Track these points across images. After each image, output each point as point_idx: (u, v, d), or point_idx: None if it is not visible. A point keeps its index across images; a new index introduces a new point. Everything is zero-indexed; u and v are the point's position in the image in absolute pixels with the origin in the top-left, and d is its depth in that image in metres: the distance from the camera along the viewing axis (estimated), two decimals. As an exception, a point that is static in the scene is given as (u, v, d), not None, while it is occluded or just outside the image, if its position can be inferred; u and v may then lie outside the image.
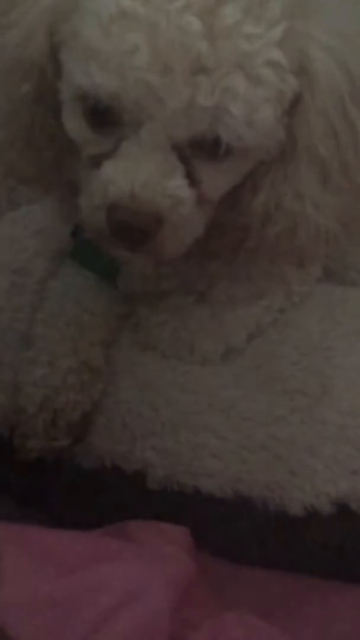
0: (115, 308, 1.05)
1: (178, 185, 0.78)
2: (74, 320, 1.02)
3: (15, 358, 1.03)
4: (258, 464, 1.00)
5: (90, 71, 0.73)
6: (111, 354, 1.04)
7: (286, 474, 0.99)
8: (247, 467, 1.00)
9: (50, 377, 0.99)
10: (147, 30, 0.70)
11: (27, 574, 0.78)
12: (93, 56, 0.72)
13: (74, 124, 0.80)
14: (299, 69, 0.76)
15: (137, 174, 0.76)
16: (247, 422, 1.01)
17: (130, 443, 1.01)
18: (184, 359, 1.04)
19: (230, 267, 0.97)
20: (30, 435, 0.98)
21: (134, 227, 0.78)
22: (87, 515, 1.00)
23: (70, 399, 0.99)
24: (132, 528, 0.93)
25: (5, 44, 0.80)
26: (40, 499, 1.03)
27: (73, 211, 0.88)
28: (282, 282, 1.05)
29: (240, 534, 1.00)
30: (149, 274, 0.99)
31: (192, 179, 0.79)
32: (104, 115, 0.77)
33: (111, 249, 0.86)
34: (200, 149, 0.77)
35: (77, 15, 0.74)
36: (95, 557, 0.82)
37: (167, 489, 1.00)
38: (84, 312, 1.03)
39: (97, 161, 0.80)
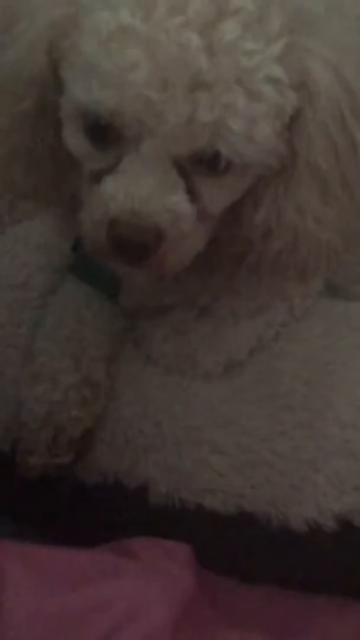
0: (117, 323, 1.06)
1: (179, 200, 0.78)
2: (75, 335, 1.03)
3: (17, 373, 1.03)
4: (260, 480, 1.00)
5: (90, 87, 0.74)
6: (113, 369, 1.04)
7: (289, 490, 0.99)
8: (250, 483, 1.00)
9: (51, 392, 1.00)
10: (146, 47, 0.71)
11: (29, 592, 0.78)
12: (93, 72, 0.73)
13: (75, 140, 0.81)
14: (299, 84, 0.77)
15: (137, 189, 0.77)
16: (249, 438, 1.01)
17: (132, 459, 1.01)
18: (186, 374, 1.05)
19: (232, 282, 0.97)
20: (32, 451, 0.99)
21: (134, 242, 0.79)
22: (88, 532, 1.00)
23: (72, 415, 1.00)
24: (134, 545, 0.93)
25: (6, 61, 0.81)
26: (42, 516, 1.03)
27: (74, 226, 0.89)
28: (284, 296, 1.05)
29: (243, 550, 1.00)
30: (150, 288, 0.99)
31: (192, 194, 0.79)
32: (104, 131, 0.78)
33: (112, 264, 0.86)
34: (200, 164, 0.78)
35: (76, 32, 0.75)
36: (96, 575, 0.82)
37: (169, 506, 1.00)
38: (85, 327, 1.03)
39: (97, 176, 0.80)
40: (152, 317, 1.05)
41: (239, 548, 1.00)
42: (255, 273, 0.92)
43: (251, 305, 1.03)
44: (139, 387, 1.04)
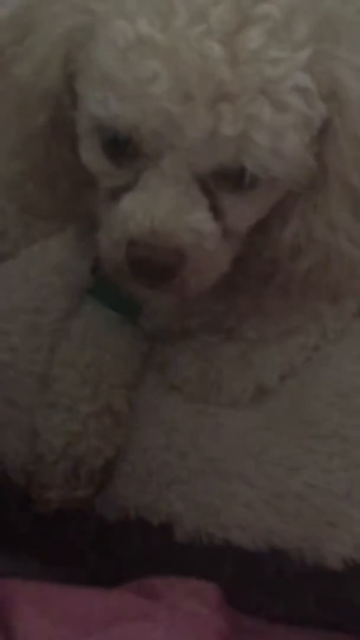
0: (138, 348, 1.06)
1: (201, 218, 0.78)
2: (95, 361, 1.03)
3: (33, 402, 1.03)
4: (293, 514, 0.99)
5: (107, 101, 0.74)
6: (134, 396, 1.04)
7: (323, 525, 0.98)
8: (281, 518, 0.99)
9: (70, 422, 1.00)
10: (166, 57, 0.71)
11: (45, 636, 0.77)
12: (110, 85, 0.73)
13: (92, 156, 0.81)
14: (328, 94, 0.77)
15: (157, 207, 0.77)
16: (280, 469, 1.00)
17: (155, 492, 1.01)
18: (212, 401, 1.04)
19: (260, 303, 0.97)
20: (50, 485, 0.99)
21: (155, 263, 0.79)
22: (109, 570, 1.00)
23: (92, 446, 0.99)
24: (158, 584, 0.92)
25: (19, 74, 0.81)
26: (60, 553, 1.03)
27: (92, 246, 0.89)
28: (316, 318, 1.05)
29: (274, 589, 0.99)
30: (173, 311, 0.99)
31: (216, 212, 0.79)
32: (122, 147, 0.78)
33: (131, 286, 0.86)
34: (224, 180, 0.78)
35: (93, 43, 0.76)
36: (117, 617, 0.82)
37: (195, 542, 0.99)
38: (104, 353, 1.03)
39: (116, 194, 0.81)
40: (175, 341, 1.05)
41: (270, 587, 0.99)
42: (284, 293, 0.91)
43: (280, 328, 1.03)
44: (163, 415, 1.04)
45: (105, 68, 0.74)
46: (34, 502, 1.00)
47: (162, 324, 1.03)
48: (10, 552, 1.02)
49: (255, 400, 1.05)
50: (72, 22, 0.78)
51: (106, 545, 1.02)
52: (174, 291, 0.83)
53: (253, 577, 0.99)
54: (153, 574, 0.95)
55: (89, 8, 0.77)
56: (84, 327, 1.05)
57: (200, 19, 0.72)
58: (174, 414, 1.04)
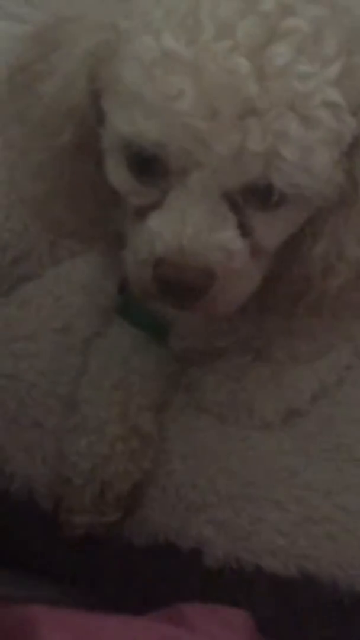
0: (166, 369, 1.06)
1: (230, 236, 0.78)
2: (122, 382, 1.03)
3: (59, 425, 1.04)
4: (326, 539, 0.98)
5: (133, 118, 0.74)
6: (162, 418, 1.04)
7: (357, 549, 0.97)
8: (314, 543, 0.99)
9: (97, 445, 1.00)
10: (192, 73, 0.71)
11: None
12: (136, 102, 0.74)
13: (118, 174, 0.81)
14: (359, 109, 0.77)
15: (185, 226, 0.77)
16: (313, 493, 1.00)
17: (185, 517, 1.00)
18: (242, 424, 1.04)
19: (290, 322, 0.97)
20: (77, 509, 0.99)
21: (183, 283, 0.78)
22: (137, 597, 0.99)
23: (120, 469, 0.99)
24: (187, 612, 0.91)
25: (44, 91, 0.82)
26: (87, 579, 1.02)
27: (119, 265, 0.89)
28: (348, 337, 1.04)
29: (307, 617, 0.98)
30: (202, 331, 0.99)
31: (245, 229, 0.79)
32: (149, 164, 0.78)
33: (159, 306, 0.86)
34: (252, 197, 0.77)
35: (118, 59, 0.76)
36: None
37: (225, 568, 0.99)
38: (132, 374, 1.03)
39: (142, 213, 0.81)
40: (204, 362, 1.05)
41: (303, 614, 0.98)
42: (315, 312, 0.91)
43: (311, 347, 1.03)
44: (192, 438, 1.04)
45: (130, 84, 0.74)
46: (60, 527, 0.99)
47: (191, 345, 1.03)
48: (34, 577, 1.02)
49: (287, 423, 1.04)
50: (96, 38, 0.78)
51: (134, 571, 1.01)
52: (202, 311, 0.83)
53: (285, 604, 0.98)
54: (181, 600, 0.94)
55: (114, 24, 0.77)
56: (110, 347, 1.06)
57: (227, 33, 0.71)
58: (204, 437, 1.04)
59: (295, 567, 0.98)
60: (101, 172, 0.83)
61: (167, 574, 1.01)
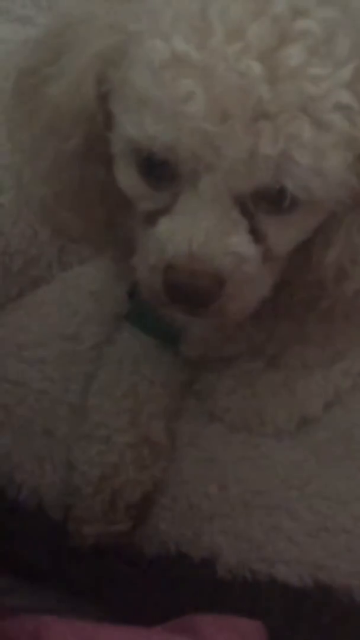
0: (177, 376, 1.06)
1: (241, 241, 0.78)
2: (132, 390, 1.03)
3: (68, 433, 1.04)
4: (341, 549, 0.98)
5: (142, 122, 0.74)
6: (173, 426, 1.04)
7: (373, 560, 0.97)
8: (328, 553, 0.99)
9: (107, 454, 1.00)
10: (202, 76, 0.71)
11: None
12: (145, 105, 0.74)
13: (127, 178, 0.81)
14: None
15: (195, 231, 0.77)
16: (327, 501, 1.00)
17: (197, 526, 1.00)
18: (254, 431, 1.04)
19: (303, 328, 0.96)
20: (86, 519, 0.99)
21: (193, 289, 0.78)
22: (148, 607, 1.00)
23: (130, 478, 0.99)
24: (199, 623, 0.91)
25: (52, 94, 0.82)
26: (97, 589, 1.03)
27: (128, 271, 0.89)
28: (361, 342, 1.04)
29: (322, 628, 0.98)
30: (213, 337, 0.99)
31: (256, 234, 0.79)
32: (159, 168, 0.78)
33: (170, 312, 0.86)
34: (264, 201, 0.77)
35: (126, 62, 0.76)
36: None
37: (238, 578, 0.99)
38: (142, 381, 1.04)
39: (152, 217, 0.81)
40: (215, 369, 1.05)
41: (317, 626, 0.98)
42: (328, 318, 0.91)
43: (325, 354, 1.03)
44: (203, 446, 1.04)
45: (139, 88, 0.74)
46: (69, 537, 1.00)
47: (202, 351, 1.03)
48: (42, 587, 1.02)
49: (300, 430, 1.04)
50: (105, 41, 0.78)
51: (144, 582, 1.01)
52: (213, 317, 0.83)
53: (299, 615, 0.98)
54: (194, 611, 0.94)
55: (123, 27, 0.77)
56: (120, 354, 1.06)
57: (238, 36, 0.72)
58: (215, 445, 1.04)
59: (309, 578, 0.98)
60: (110, 177, 0.83)
61: (179, 584, 1.01)
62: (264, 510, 1.00)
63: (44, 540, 1.03)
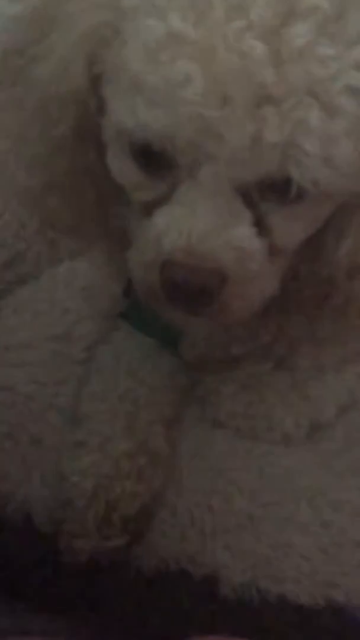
0: (177, 379, 1.06)
1: (244, 234, 0.78)
2: (129, 394, 1.03)
3: (60, 441, 1.04)
4: (354, 565, 0.99)
5: (136, 107, 0.74)
6: (173, 434, 1.05)
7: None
8: (342, 570, 0.99)
9: (101, 463, 1.00)
10: (201, 57, 0.71)
11: None
12: (139, 89, 0.74)
13: (121, 167, 0.82)
14: None
15: (195, 223, 0.77)
16: (339, 514, 1.01)
17: (198, 542, 1.01)
18: (262, 438, 1.05)
19: (315, 327, 0.97)
20: (79, 533, 0.99)
21: (192, 286, 0.78)
22: (146, 628, 1.00)
23: (126, 490, 1.00)
24: (203, 646, 0.92)
25: (39, 77, 0.82)
26: (90, 609, 1.03)
27: (124, 266, 0.89)
28: (376, 342, 1.04)
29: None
30: (216, 338, 1.00)
31: (261, 227, 0.79)
32: (155, 156, 0.78)
33: (168, 311, 0.86)
34: (269, 192, 0.77)
35: (119, 42, 0.76)
36: None
37: (244, 597, 0.99)
38: (140, 385, 1.04)
39: (148, 209, 0.81)
40: (219, 371, 1.05)
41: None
42: (340, 317, 0.91)
43: (337, 355, 1.03)
44: (206, 454, 1.04)
45: (133, 70, 0.74)
46: (61, 553, 1.00)
47: (204, 352, 1.04)
48: (31, 607, 1.03)
49: (311, 437, 1.05)
50: (96, 18, 0.78)
51: (142, 601, 1.02)
52: (214, 317, 0.83)
53: (309, 637, 0.99)
54: (194, 633, 0.95)
55: (116, 3, 0.77)
56: (115, 356, 1.06)
57: (240, 12, 0.71)
58: (219, 454, 1.04)
59: (321, 597, 0.98)
60: (103, 164, 0.83)
61: (179, 604, 1.01)
62: (272, 524, 1.01)
63: (33, 556, 1.03)
